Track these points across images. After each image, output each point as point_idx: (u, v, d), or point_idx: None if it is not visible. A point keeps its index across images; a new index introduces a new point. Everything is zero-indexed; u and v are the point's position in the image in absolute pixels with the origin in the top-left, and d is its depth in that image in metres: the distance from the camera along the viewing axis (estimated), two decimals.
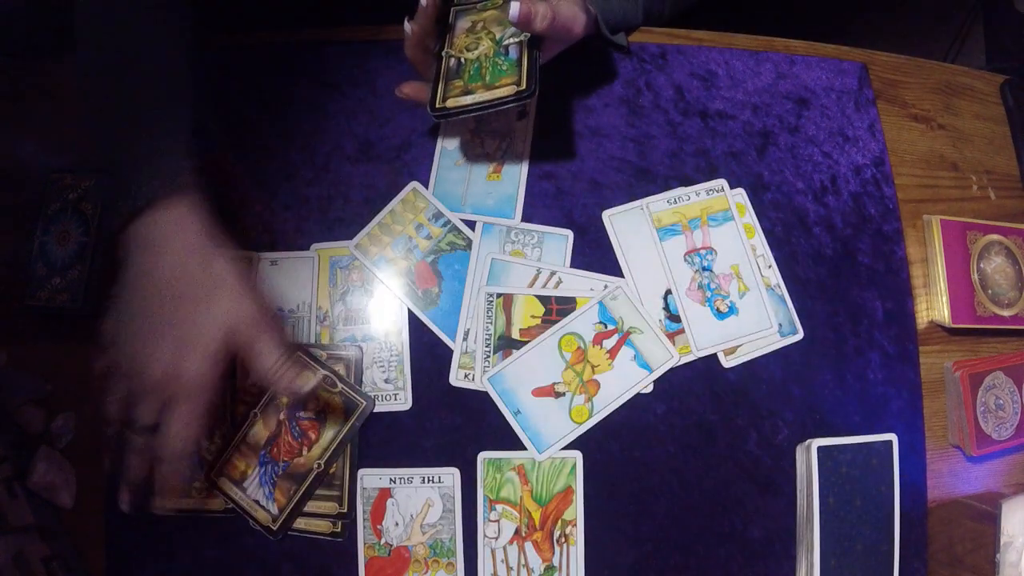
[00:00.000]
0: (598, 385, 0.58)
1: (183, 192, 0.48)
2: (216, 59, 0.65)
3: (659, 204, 0.62)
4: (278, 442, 0.56)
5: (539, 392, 0.57)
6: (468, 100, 0.52)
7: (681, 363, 0.59)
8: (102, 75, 0.51)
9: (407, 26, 0.54)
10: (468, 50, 0.55)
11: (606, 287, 0.59)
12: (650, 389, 0.58)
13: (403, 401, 0.58)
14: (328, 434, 0.56)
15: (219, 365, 0.47)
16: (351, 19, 0.68)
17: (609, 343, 0.58)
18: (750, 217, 0.62)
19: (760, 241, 0.62)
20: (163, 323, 0.47)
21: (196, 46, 0.55)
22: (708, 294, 0.60)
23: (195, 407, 0.47)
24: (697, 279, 0.60)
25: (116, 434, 0.51)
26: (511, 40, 0.54)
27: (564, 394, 0.58)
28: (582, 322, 0.59)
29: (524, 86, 0.51)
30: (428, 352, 0.59)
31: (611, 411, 0.57)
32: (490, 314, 0.59)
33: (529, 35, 0.53)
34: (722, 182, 0.63)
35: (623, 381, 0.58)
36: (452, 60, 0.55)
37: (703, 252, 0.61)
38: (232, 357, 0.48)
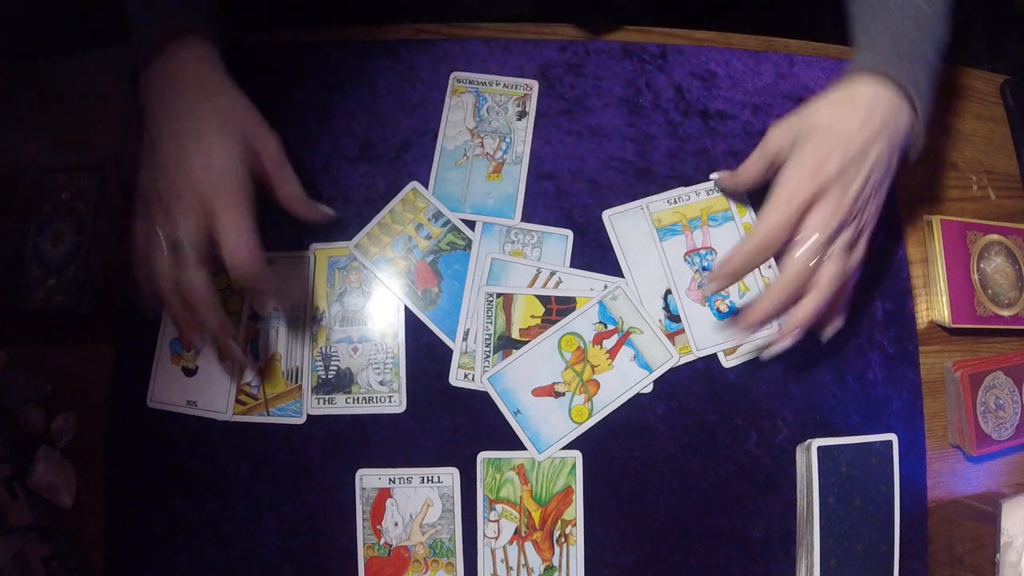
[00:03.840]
0: (598, 385, 0.58)
1: (197, 34, 0.52)
2: None
3: (659, 204, 0.62)
4: None
5: (539, 392, 0.57)
6: None
7: (681, 363, 0.59)
8: None
9: None
10: None
11: (606, 287, 0.59)
12: (650, 389, 0.58)
13: (397, 403, 0.58)
14: None
15: (247, 177, 0.50)
16: (351, 19, 0.68)
17: (609, 343, 0.58)
18: (750, 217, 0.62)
19: None
20: (187, 146, 0.48)
21: None
22: (708, 294, 0.60)
23: (240, 210, 0.48)
24: (697, 279, 0.60)
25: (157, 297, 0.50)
26: None
27: (564, 394, 0.57)
28: (582, 322, 0.59)
29: None
30: (428, 352, 0.59)
31: (611, 411, 0.57)
32: (490, 314, 0.59)
33: None
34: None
35: (623, 381, 0.58)
36: None
37: (703, 252, 0.61)
38: (257, 177, 0.52)
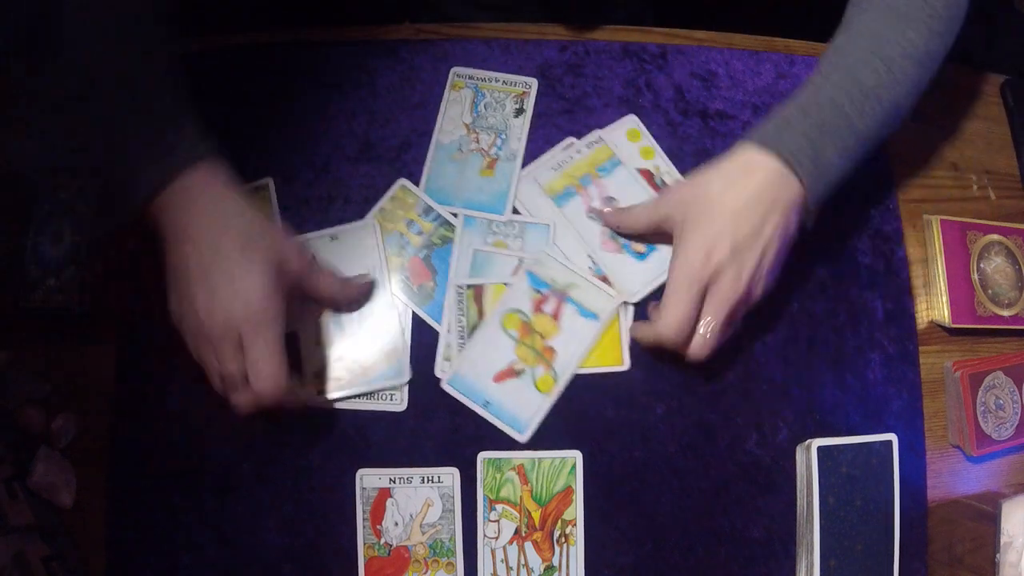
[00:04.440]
0: (553, 351, 0.58)
1: (203, 158, 0.50)
2: (216, 60, 0.65)
3: (546, 174, 0.62)
4: None
5: (500, 376, 0.57)
6: None
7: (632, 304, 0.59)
8: (94, 71, 0.51)
9: None
10: None
11: (522, 261, 0.59)
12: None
13: (399, 402, 0.58)
14: None
15: (277, 296, 0.50)
16: (351, 19, 0.68)
17: (549, 307, 0.58)
18: (647, 140, 0.63)
19: (661, 159, 0.62)
20: (213, 277, 0.48)
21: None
22: (622, 241, 0.60)
23: (268, 339, 0.49)
24: (607, 231, 0.60)
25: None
26: None
27: (524, 371, 0.57)
28: (516, 296, 0.59)
29: None
30: (428, 351, 0.59)
31: (576, 372, 0.58)
32: (462, 306, 0.59)
33: None
34: (598, 133, 0.63)
35: (576, 337, 0.58)
36: None
37: (605, 204, 0.61)
38: (288, 289, 0.51)
